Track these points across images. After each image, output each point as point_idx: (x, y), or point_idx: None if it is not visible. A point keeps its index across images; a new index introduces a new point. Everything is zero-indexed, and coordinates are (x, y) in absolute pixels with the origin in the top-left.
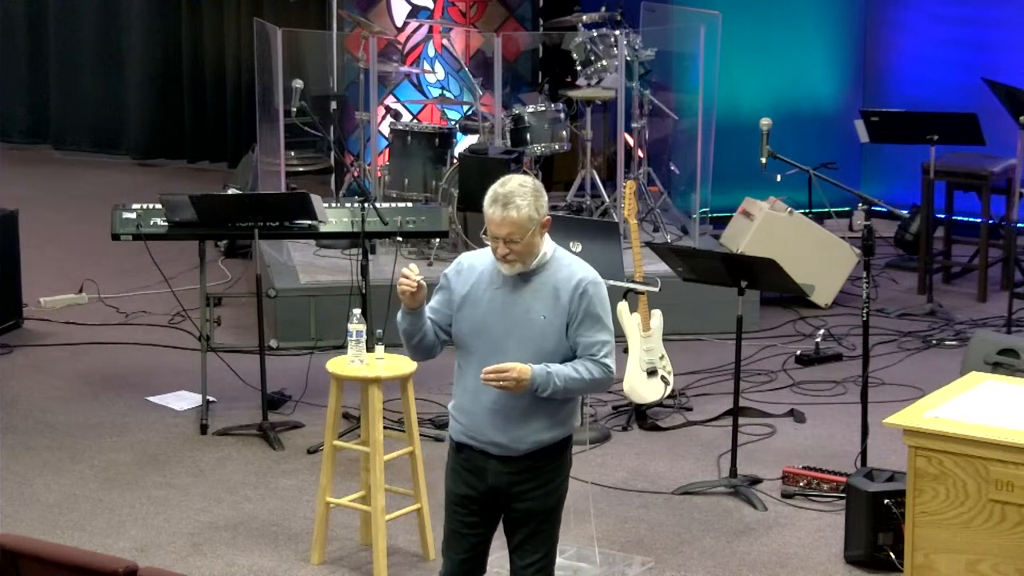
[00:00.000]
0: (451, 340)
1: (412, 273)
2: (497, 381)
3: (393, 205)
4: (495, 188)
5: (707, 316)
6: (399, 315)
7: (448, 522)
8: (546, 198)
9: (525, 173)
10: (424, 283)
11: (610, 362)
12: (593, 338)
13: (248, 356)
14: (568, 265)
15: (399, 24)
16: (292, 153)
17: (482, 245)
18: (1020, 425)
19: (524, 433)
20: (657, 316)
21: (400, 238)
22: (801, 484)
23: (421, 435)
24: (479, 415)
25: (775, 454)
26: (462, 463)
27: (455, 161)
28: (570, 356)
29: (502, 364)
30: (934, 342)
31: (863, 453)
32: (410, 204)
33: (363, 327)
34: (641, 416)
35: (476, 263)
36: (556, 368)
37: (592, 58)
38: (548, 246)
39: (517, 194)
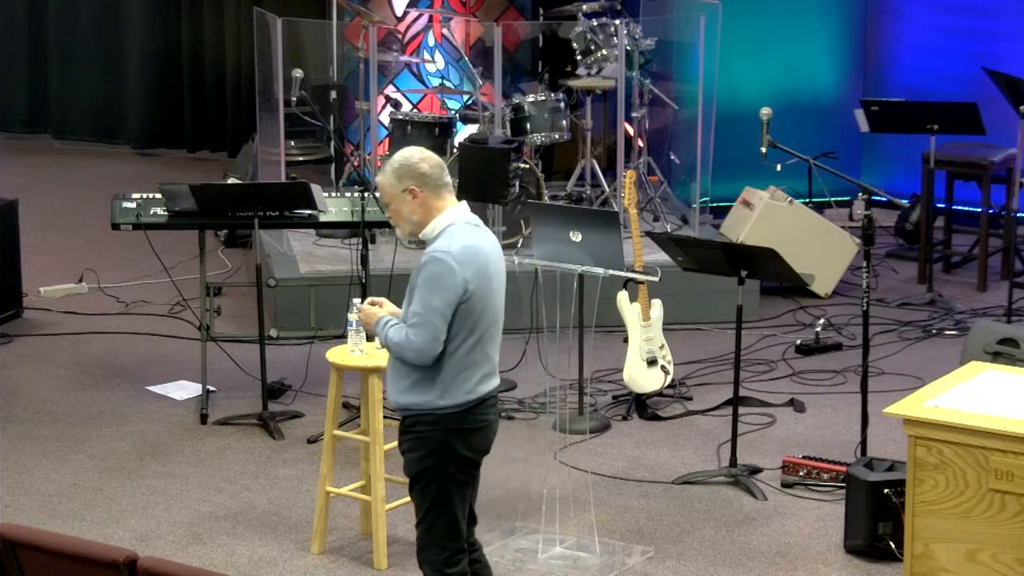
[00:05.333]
0: None
1: None
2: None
3: None
4: None
5: (707, 305)
6: None
7: None
8: (422, 171)
9: (525, 162)
10: None
11: (412, 333)
12: (410, 307)
13: (248, 345)
14: (439, 240)
15: (399, 13)
16: (292, 143)
17: None
18: (1020, 415)
19: (392, 391)
20: (657, 306)
21: None
22: (801, 474)
23: None
24: None
25: (775, 443)
26: None
27: (455, 151)
28: None
29: (375, 299)
30: (934, 331)
31: (863, 442)
32: None
33: None
34: (641, 405)
35: None
36: (390, 322)
37: (592, 47)
38: (443, 221)
39: (390, 163)
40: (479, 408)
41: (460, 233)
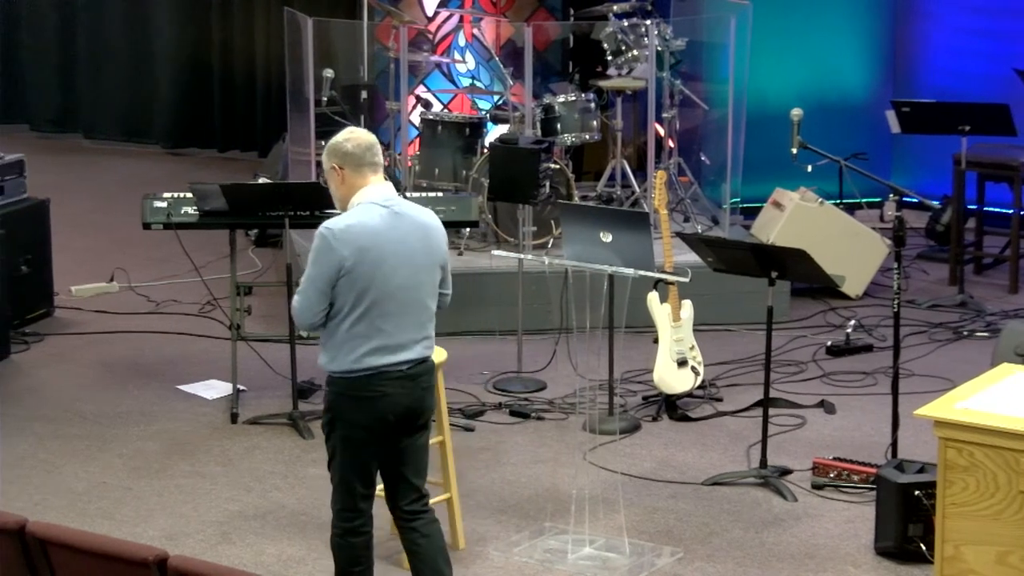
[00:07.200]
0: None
1: None
2: None
3: (423, 195)
4: None
5: (737, 307)
6: None
7: None
8: (345, 151)
9: (555, 163)
10: None
11: (295, 299)
12: None
13: (278, 345)
14: (338, 216)
15: (430, 13)
16: (322, 142)
17: (512, 235)
18: None
19: None
20: (687, 306)
21: None
22: (831, 475)
23: (451, 425)
24: None
25: (805, 445)
26: None
27: (485, 151)
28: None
29: None
30: (965, 333)
31: (893, 444)
32: (440, 194)
33: None
34: (671, 406)
35: None
36: None
37: (623, 48)
38: (358, 198)
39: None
40: (372, 380)
41: (357, 211)
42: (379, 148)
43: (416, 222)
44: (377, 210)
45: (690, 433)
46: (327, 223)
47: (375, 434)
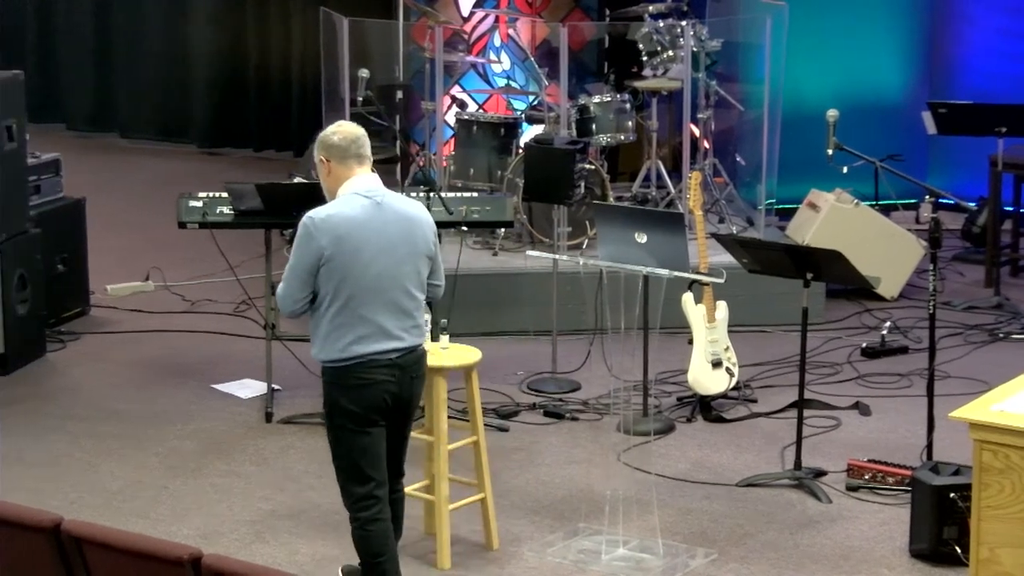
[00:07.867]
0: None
1: None
2: None
3: (458, 195)
4: None
5: (772, 308)
6: None
7: None
8: (331, 143)
9: (590, 163)
10: None
11: (279, 286)
12: None
13: None
14: (321, 206)
15: (465, 14)
16: None
17: (547, 236)
18: None
19: None
20: (722, 307)
21: (465, 228)
22: (866, 477)
23: (485, 425)
24: None
25: (840, 447)
26: None
27: (520, 151)
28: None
29: None
30: (1001, 335)
31: (929, 446)
32: (475, 194)
33: (428, 316)
34: (705, 407)
35: None
36: None
37: (658, 48)
38: (343, 189)
39: None
40: (360, 367)
41: (339, 201)
42: (366, 141)
43: (399, 213)
44: (359, 200)
45: (724, 434)
46: (309, 212)
47: (371, 421)
